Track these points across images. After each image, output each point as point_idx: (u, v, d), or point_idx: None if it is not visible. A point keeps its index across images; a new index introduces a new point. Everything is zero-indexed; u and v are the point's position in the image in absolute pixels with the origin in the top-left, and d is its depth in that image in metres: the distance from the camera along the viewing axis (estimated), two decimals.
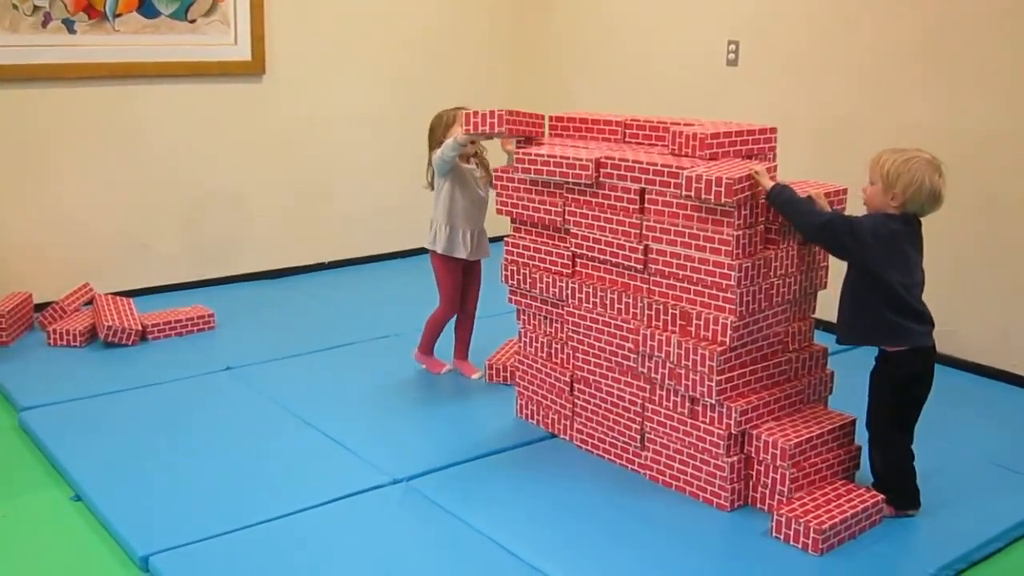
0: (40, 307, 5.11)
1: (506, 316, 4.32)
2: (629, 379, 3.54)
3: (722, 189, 3.09)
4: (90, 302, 5.15)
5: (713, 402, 3.27)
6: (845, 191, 3.48)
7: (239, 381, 4.39)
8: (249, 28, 5.71)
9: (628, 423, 3.56)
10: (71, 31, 5.19)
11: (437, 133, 4.24)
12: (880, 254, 3.09)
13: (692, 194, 3.18)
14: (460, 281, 4.36)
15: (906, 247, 3.14)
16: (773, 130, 3.54)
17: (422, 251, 4.52)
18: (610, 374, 3.61)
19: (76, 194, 5.37)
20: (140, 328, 4.83)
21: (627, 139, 3.80)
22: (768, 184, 3.18)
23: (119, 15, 5.31)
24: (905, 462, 3.28)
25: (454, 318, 4.45)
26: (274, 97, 5.91)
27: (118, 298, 5.09)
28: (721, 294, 3.22)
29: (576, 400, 3.76)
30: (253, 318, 5.28)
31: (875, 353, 3.29)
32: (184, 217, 5.74)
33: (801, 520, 3.06)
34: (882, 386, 3.25)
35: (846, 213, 3.32)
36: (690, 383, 3.31)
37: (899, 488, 3.27)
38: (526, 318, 3.95)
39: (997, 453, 3.76)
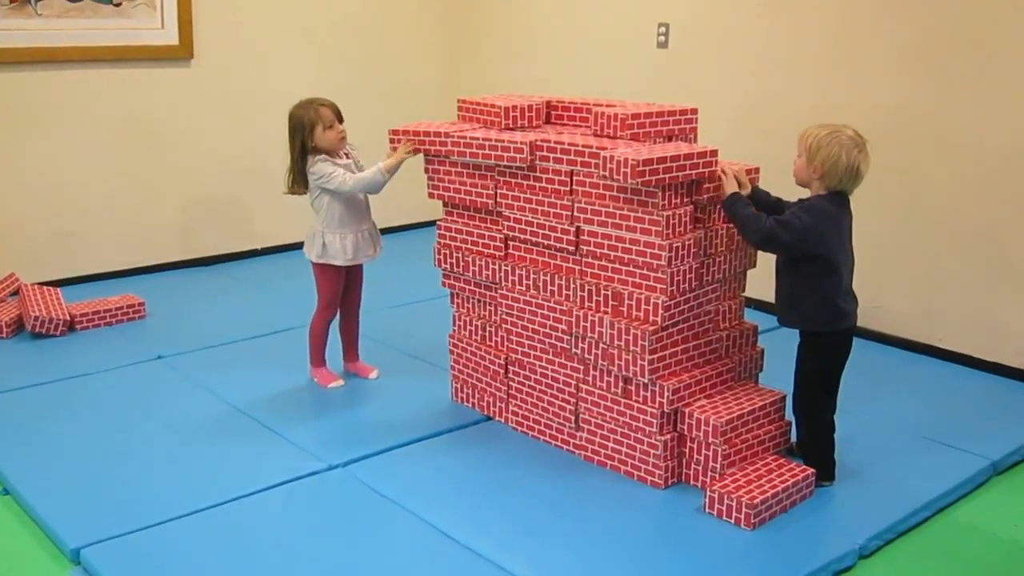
0: None
1: (440, 300, 4.31)
2: (563, 360, 3.56)
3: (628, 170, 3.11)
4: (16, 292, 5.04)
5: (646, 381, 3.30)
6: (757, 170, 3.46)
7: (171, 370, 4.34)
8: (176, 11, 5.61)
9: (563, 404, 3.59)
10: None
11: (302, 136, 3.90)
12: (823, 239, 3.16)
13: (607, 174, 3.20)
14: (341, 285, 4.13)
15: (843, 226, 3.22)
16: (694, 111, 3.56)
17: None
18: (544, 356, 3.62)
19: None
20: (68, 318, 4.75)
21: (552, 121, 3.82)
22: (726, 191, 3.22)
23: None
24: (829, 431, 3.37)
25: (336, 322, 4.23)
26: (203, 82, 5.82)
27: (45, 288, 4.99)
28: (652, 274, 3.25)
29: (511, 382, 3.77)
30: (184, 306, 5.21)
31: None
32: (111, 204, 5.64)
33: (733, 496, 3.11)
34: (815, 356, 3.32)
35: (787, 206, 3.33)
36: (623, 363, 3.34)
37: (821, 460, 3.35)
38: (460, 301, 3.95)
39: (924, 426, 3.84)
